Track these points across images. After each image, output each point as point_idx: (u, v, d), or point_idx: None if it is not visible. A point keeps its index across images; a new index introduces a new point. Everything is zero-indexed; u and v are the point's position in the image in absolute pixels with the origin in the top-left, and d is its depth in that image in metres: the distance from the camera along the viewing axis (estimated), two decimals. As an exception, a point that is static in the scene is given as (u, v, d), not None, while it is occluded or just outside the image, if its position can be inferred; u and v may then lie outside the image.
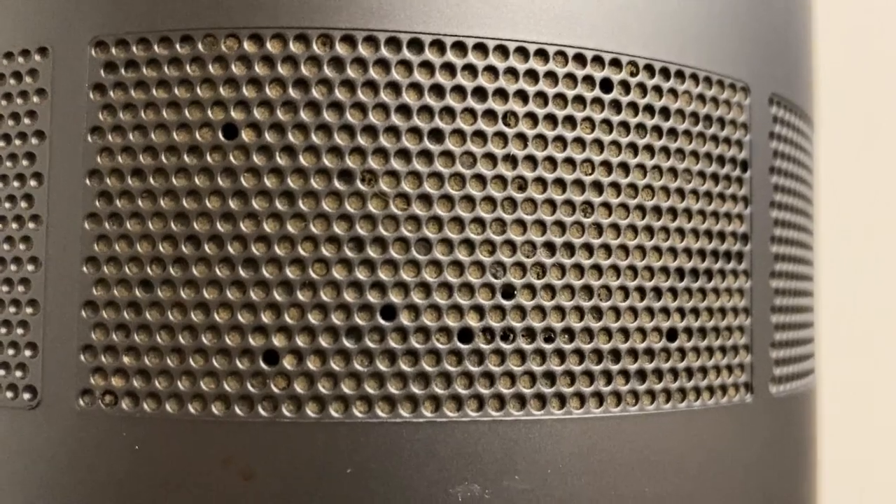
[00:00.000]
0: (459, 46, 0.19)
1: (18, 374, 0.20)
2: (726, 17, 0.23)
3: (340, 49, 0.19)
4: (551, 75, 0.20)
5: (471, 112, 0.19)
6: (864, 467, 0.46)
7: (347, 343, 0.19)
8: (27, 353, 0.20)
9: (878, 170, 0.47)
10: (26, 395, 0.20)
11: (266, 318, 0.19)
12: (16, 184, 0.20)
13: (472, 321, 0.19)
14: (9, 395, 0.20)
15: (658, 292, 0.21)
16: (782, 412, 0.24)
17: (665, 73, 0.21)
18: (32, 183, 0.20)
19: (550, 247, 0.20)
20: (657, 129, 0.21)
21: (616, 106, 0.20)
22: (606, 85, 0.20)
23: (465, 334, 0.19)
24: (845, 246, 0.46)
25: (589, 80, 0.20)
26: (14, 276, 0.20)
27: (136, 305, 0.19)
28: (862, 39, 0.47)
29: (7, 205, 0.20)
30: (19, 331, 0.20)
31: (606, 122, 0.20)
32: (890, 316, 0.47)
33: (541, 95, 0.20)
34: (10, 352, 0.20)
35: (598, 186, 0.20)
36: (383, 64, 0.19)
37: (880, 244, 0.47)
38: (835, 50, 0.44)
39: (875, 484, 0.46)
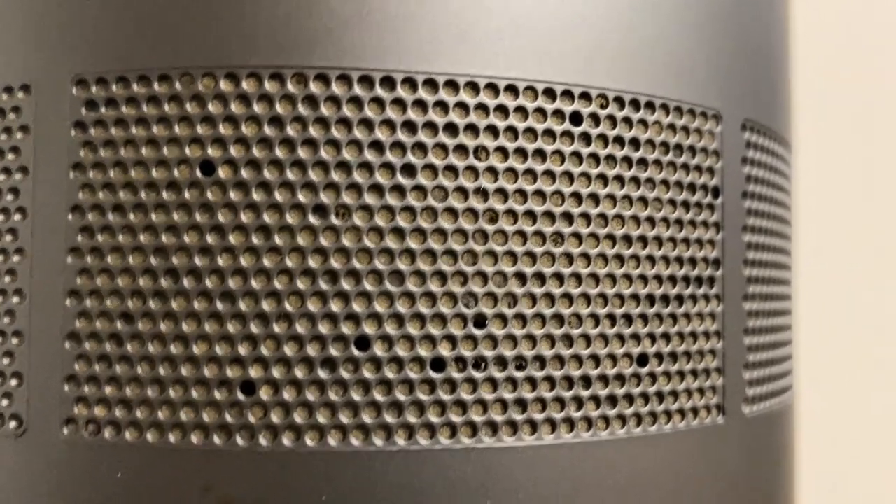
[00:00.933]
0: (430, 83, 0.20)
1: (4, 402, 0.21)
2: (697, 46, 0.23)
3: (314, 87, 0.19)
4: (521, 110, 0.20)
5: (442, 147, 0.20)
6: (844, 483, 0.47)
7: (322, 374, 0.19)
8: (13, 382, 0.21)
9: (860, 184, 0.48)
10: (12, 424, 0.20)
11: (243, 349, 0.19)
12: (0, 217, 0.21)
13: (444, 351, 0.20)
14: (-5, 423, 0.21)
15: (628, 319, 0.21)
16: (756, 431, 0.25)
17: (635, 104, 0.22)
18: (16, 217, 0.21)
19: (521, 277, 0.20)
20: (627, 160, 0.21)
21: (586, 138, 0.21)
22: (576, 118, 0.21)
23: (438, 363, 0.20)
24: (827, 261, 0.47)
25: (558, 113, 0.21)
26: None
27: (118, 337, 0.20)
28: (844, 56, 0.47)
29: (-7, 238, 0.21)
30: (5, 360, 0.21)
31: (576, 155, 0.21)
32: (874, 328, 0.47)
33: (511, 130, 0.20)
34: (-3, 381, 0.21)
35: (567, 217, 0.21)
36: (356, 101, 0.20)
37: (863, 258, 0.47)
38: (814, 67, 0.44)
39: (856, 500, 0.47)
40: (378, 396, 0.19)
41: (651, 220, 0.22)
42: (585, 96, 0.21)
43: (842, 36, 0.47)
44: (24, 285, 0.20)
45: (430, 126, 0.20)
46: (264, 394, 0.19)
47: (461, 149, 0.20)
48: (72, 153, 0.20)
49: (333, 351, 0.19)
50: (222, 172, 0.20)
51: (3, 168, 0.21)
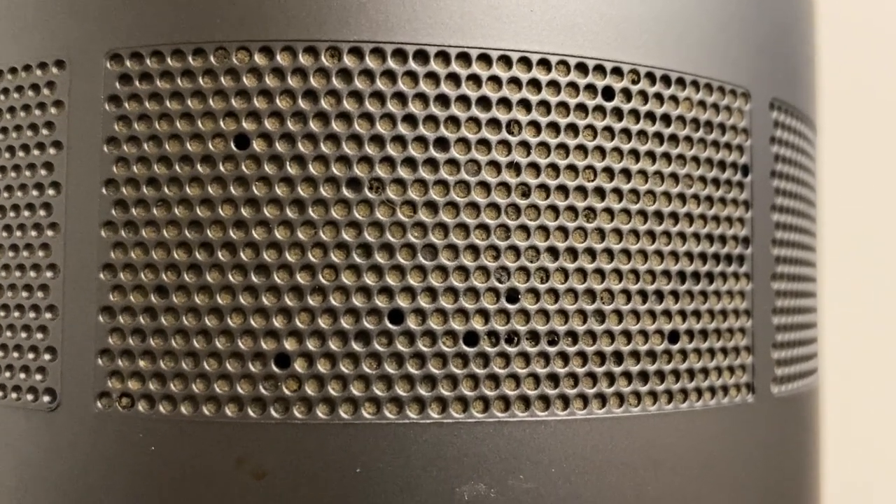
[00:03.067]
0: (464, 57, 0.20)
1: (38, 377, 0.21)
2: (727, 24, 0.23)
3: (348, 61, 0.20)
4: (554, 84, 0.20)
5: (475, 121, 0.20)
6: (868, 466, 0.47)
7: (356, 346, 0.19)
8: (46, 356, 0.21)
9: (882, 170, 0.48)
10: (46, 398, 0.21)
11: (277, 322, 0.19)
12: (35, 193, 0.21)
13: (477, 325, 0.20)
14: (29, 397, 0.21)
15: (660, 295, 0.21)
16: (784, 412, 0.25)
17: (666, 80, 0.22)
18: (51, 192, 0.21)
19: (553, 252, 0.20)
20: (658, 136, 0.21)
21: (618, 113, 0.21)
22: (608, 93, 0.21)
23: (471, 337, 0.20)
24: (849, 245, 0.47)
25: (591, 88, 0.21)
26: (34, 283, 0.21)
27: (152, 310, 0.20)
28: (866, 41, 0.47)
29: (27, 213, 0.21)
30: (39, 335, 0.21)
31: (608, 130, 0.21)
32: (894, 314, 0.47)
33: (544, 104, 0.20)
34: (31, 356, 0.21)
35: (600, 192, 0.21)
36: (390, 75, 0.20)
37: (884, 243, 0.47)
38: (839, 51, 0.44)
39: (879, 483, 0.47)
40: (411, 369, 0.20)
41: (682, 197, 0.22)
42: (617, 71, 0.21)
43: (851, 34, 0.47)
44: (57, 260, 0.20)
45: (463, 100, 0.20)
46: (299, 366, 0.19)
47: (494, 123, 0.20)
48: (106, 127, 0.20)
49: (367, 324, 0.19)
50: (257, 146, 0.20)
51: (38, 143, 0.21)
